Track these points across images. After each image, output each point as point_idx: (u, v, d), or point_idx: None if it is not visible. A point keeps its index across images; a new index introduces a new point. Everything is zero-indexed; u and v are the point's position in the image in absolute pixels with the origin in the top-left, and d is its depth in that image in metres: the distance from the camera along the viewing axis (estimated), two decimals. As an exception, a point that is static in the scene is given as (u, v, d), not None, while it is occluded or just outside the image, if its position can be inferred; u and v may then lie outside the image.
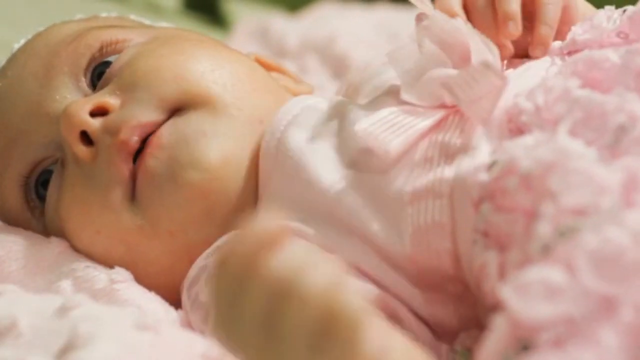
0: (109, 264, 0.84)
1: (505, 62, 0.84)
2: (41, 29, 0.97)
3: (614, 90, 0.73)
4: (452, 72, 0.79)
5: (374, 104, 0.84)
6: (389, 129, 0.78)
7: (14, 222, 0.90)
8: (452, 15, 0.83)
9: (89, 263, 0.85)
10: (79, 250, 0.86)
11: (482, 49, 0.79)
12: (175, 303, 0.84)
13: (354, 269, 0.76)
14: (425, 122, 0.78)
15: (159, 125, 0.84)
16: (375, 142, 0.78)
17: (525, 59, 0.85)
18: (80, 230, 0.86)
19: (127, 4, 1.62)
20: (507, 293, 0.61)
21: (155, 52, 0.89)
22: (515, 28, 0.83)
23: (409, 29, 0.89)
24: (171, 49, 0.89)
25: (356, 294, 0.60)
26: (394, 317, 0.73)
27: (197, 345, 0.74)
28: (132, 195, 0.84)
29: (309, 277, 0.60)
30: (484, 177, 0.72)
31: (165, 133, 0.84)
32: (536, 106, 0.75)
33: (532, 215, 0.68)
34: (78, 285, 0.83)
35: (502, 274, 0.68)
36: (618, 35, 0.81)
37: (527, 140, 0.72)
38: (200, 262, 0.83)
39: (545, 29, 0.84)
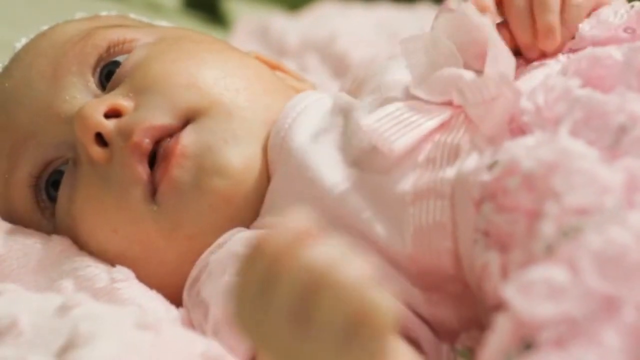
0: (121, 263, 0.84)
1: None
2: (41, 28, 0.97)
3: (616, 90, 0.73)
4: (466, 73, 0.79)
5: (379, 100, 0.84)
6: (394, 127, 0.78)
7: (22, 222, 0.90)
8: (484, 9, 0.82)
9: (90, 262, 0.85)
10: (91, 250, 0.86)
11: (498, 54, 0.78)
12: (177, 301, 0.84)
13: None
14: (431, 122, 0.78)
15: (172, 130, 0.85)
16: (380, 140, 0.78)
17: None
18: (96, 230, 0.86)
19: (127, 3, 1.61)
20: (510, 292, 0.61)
21: (167, 55, 0.89)
22: (554, 42, 0.82)
23: (410, 28, 0.89)
24: (182, 52, 0.90)
25: (386, 296, 0.60)
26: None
27: (197, 345, 0.74)
28: (152, 197, 0.84)
29: (343, 272, 0.59)
30: (485, 177, 0.72)
31: (189, 141, 0.84)
32: (537, 106, 0.75)
33: (534, 215, 0.68)
34: (79, 284, 0.83)
35: (505, 274, 0.68)
36: (625, 30, 0.81)
37: (528, 140, 0.72)
38: (201, 260, 0.83)
39: (551, 17, 0.82)
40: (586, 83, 0.75)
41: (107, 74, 0.90)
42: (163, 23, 1.04)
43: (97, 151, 0.84)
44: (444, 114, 0.79)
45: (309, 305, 0.59)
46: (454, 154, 0.76)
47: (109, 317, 0.73)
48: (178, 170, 0.84)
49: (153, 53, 0.89)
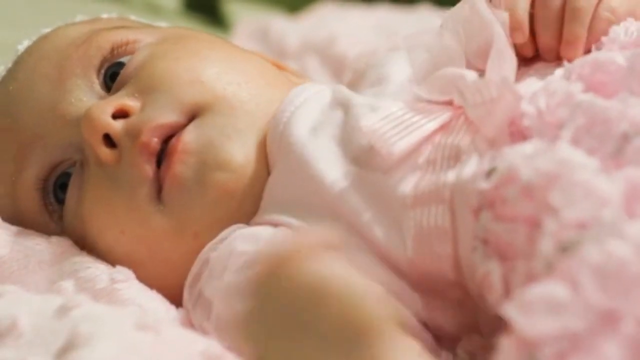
0: (127, 263, 0.85)
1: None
2: (42, 30, 0.97)
3: (618, 95, 0.73)
4: (467, 73, 0.78)
5: (379, 96, 0.84)
6: (394, 128, 0.78)
7: (29, 224, 0.90)
8: (518, 26, 0.81)
9: (90, 263, 0.85)
10: (97, 251, 0.86)
11: (501, 55, 0.78)
12: (177, 301, 0.84)
13: None
14: (431, 124, 0.78)
15: (179, 127, 0.85)
16: (379, 142, 0.78)
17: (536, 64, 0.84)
18: (105, 231, 0.86)
19: (127, 5, 1.62)
20: (511, 311, 0.61)
21: (170, 54, 0.89)
22: (577, 53, 0.81)
23: (409, 29, 0.89)
24: (185, 51, 0.90)
25: (391, 310, 0.60)
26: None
27: (197, 344, 0.74)
28: (158, 196, 0.84)
29: (350, 283, 0.60)
30: (483, 185, 0.72)
31: (191, 138, 0.84)
32: (538, 110, 0.74)
33: (534, 225, 0.67)
34: (79, 286, 0.83)
35: (507, 284, 0.68)
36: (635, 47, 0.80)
37: (526, 148, 0.71)
38: (202, 257, 0.83)
39: (580, 29, 0.81)
40: (588, 88, 0.75)
41: (112, 75, 0.90)
42: (162, 25, 1.04)
43: (105, 152, 0.84)
44: (445, 115, 0.79)
45: (313, 309, 0.60)
46: (454, 156, 0.76)
47: (108, 317, 0.73)
48: (180, 167, 0.84)
49: (156, 53, 0.90)
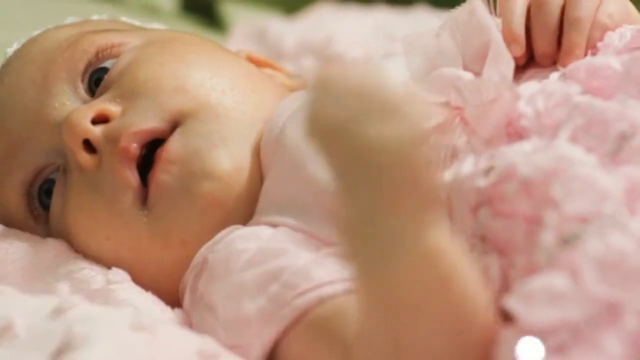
0: (113, 267, 0.84)
1: None
2: (34, 31, 0.96)
3: (616, 97, 0.73)
4: (464, 74, 0.78)
5: None
6: None
7: (17, 227, 0.90)
8: (515, 39, 0.81)
9: (85, 264, 0.85)
10: (86, 256, 0.86)
11: (498, 57, 0.78)
12: (173, 303, 0.84)
13: None
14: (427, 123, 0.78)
15: (160, 133, 0.85)
16: None
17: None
18: (89, 237, 0.86)
19: (123, 6, 1.61)
20: (512, 302, 0.61)
21: (154, 59, 0.89)
22: (580, 42, 0.81)
23: (406, 31, 0.88)
24: (170, 55, 0.89)
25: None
26: None
27: (192, 344, 0.74)
28: (143, 202, 0.84)
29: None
30: (481, 182, 0.72)
31: (174, 146, 0.84)
32: (536, 111, 0.74)
33: (533, 221, 0.67)
34: (75, 287, 0.83)
35: (505, 278, 0.68)
36: (627, 50, 0.80)
37: (525, 146, 0.71)
38: (198, 258, 0.83)
39: (580, 38, 0.81)
40: (586, 90, 0.75)
41: (97, 80, 0.90)
42: (155, 25, 1.04)
43: (85, 158, 0.84)
44: (440, 115, 0.79)
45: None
46: (450, 156, 0.76)
47: (104, 318, 0.72)
48: (164, 176, 0.83)
49: (141, 57, 0.89)
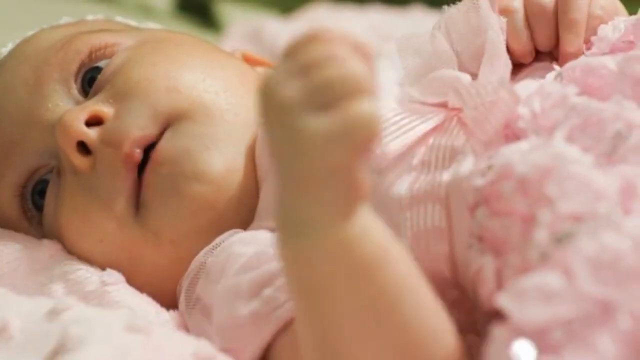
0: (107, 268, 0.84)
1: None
2: (29, 31, 0.96)
3: (612, 98, 0.73)
4: (462, 76, 0.78)
5: None
6: (388, 129, 0.78)
7: (11, 228, 0.90)
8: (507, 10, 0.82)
9: (80, 265, 0.84)
10: (79, 258, 0.86)
11: (495, 57, 0.78)
12: (168, 304, 0.84)
13: None
14: (425, 125, 0.78)
15: (157, 136, 0.84)
16: None
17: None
18: (82, 239, 0.85)
19: (118, 6, 1.61)
20: (504, 299, 0.61)
21: (147, 60, 0.88)
22: (578, 38, 0.82)
23: (402, 31, 0.88)
24: (162, 56, 0.89)
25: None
26: None
27: (188, 346, 0.74)
28: (136, 204, 0.84)
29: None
30: (479, 181, 0.72)
31: (164, 147, 0.84)
32: (533, 112, 0.74)
33: (529, 220, 0.67)
34: (69, 288, 0.82)
35: (499, 278, 0.68)
36: (622, 42, 0.80)
37: (522, 145, 0.71)
38: (196, 262, 0.83)
39: (578, 14, 0.82)
40: (582, 91, 0.75)
41: (90, 80, 0.89)
42: (150, 25, 1.04)
43: (79, 160, 0.84)
44: (438, 117, 0.79)
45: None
46: (449, 157, 0.76)
47: (99, 320, 0.72)
48: (154, 177, 0.83)
49: (134, 57, 0.89)
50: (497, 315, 0.63)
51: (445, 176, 0.75)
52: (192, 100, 0.86)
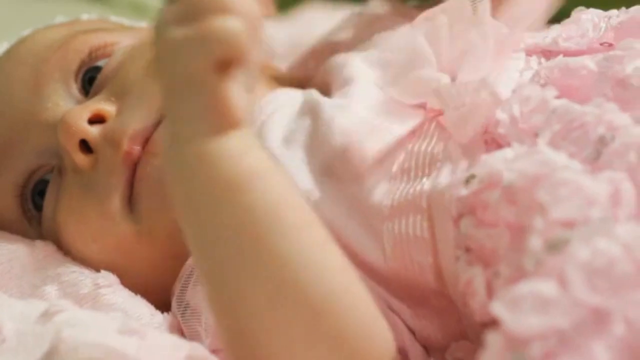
0: (102, 269, 0.84)
1: None
2: (22, 31, 0.96)
3: (592, 100, 0.72)
4: (442, 77, 0.78)
5: (348, 97, 0.82)
6: (365, 132, 0.77)
7: (8, 229, 0.90)
8: None
9: (74, 267, 0.84)
10: (75, 258, 0.85)
11: (475, 59, 0.77)
12: (162, 306, 0.84)
13: None
14: (403, 128, 0.77)
15: (153, 129, 0.84)
16: (350, 146, 0.77)
17: None
18: (77, 239, 0.85)
19: (112, 5, 1.61)
20: (498, 308, 0.60)
21: (146, 57, 0.88)
22: None
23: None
24: None
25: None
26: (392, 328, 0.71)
27: (182, 348, 0.74)
28: (129, 201, 0.84)
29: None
30: (462, 191, 0.71)
31: (157, 138, 0.83)
32: (512, 117, 0.73)
33: (518, 229, 0.67)
34: (63, 290, 0.82)
35: (490, 289, 0.68)
36: (601, 44, 0.80)
37: (507, 153, 0.70)
38: (186, 268, 0.82)
39: None
40: (562, 93, 0.74)
41: (90, 80, 0.89)
42: (143, 25, 1.03)
43: (81, 158, 0.84)
44: (416, 119, 0.78)
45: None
46: (428, 164, 0.75)
47: (92, 323, 0.72)
48: (148, 168, 0.83)
49: (133, 55, 0.89)
50: (490, 325, 0.62)
51: (426, 185, 0.74)
52: None
